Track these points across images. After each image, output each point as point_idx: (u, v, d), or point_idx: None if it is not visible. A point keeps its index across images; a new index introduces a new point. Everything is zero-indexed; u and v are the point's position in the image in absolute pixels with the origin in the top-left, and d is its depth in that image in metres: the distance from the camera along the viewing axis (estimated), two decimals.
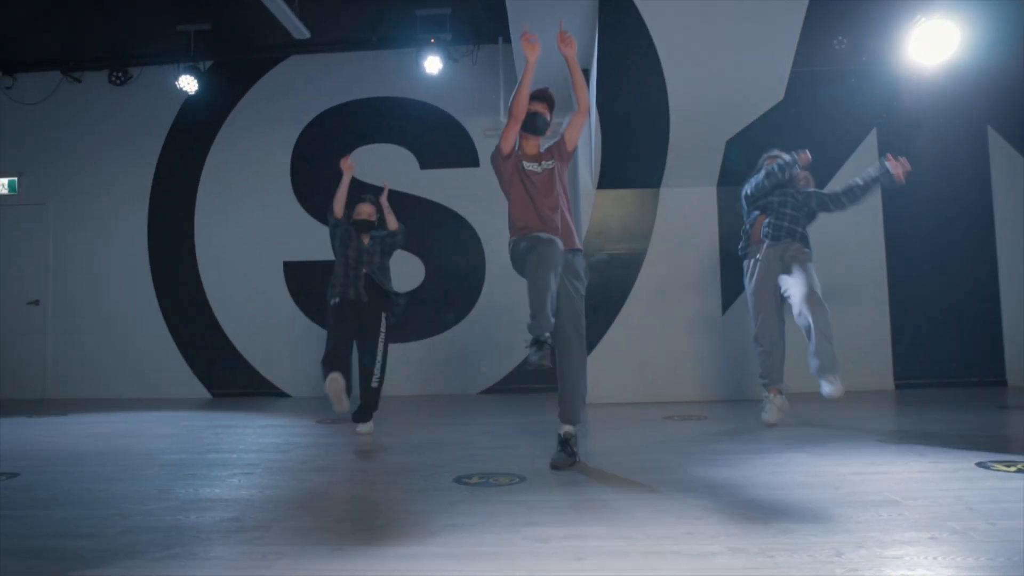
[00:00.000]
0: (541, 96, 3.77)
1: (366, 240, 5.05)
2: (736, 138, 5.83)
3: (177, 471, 3.52)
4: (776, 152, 4.96)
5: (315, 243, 7.60)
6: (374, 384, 4.78)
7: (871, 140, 6.89)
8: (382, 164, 7.52)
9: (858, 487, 2.86)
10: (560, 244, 3.45)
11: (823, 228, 6.72)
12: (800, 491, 2.80)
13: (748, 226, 4.98)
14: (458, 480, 3.12)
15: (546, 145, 3.84)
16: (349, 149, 7.63)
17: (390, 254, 5.13)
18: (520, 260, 3.56)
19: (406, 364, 7.30)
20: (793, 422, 4.78)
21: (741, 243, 5.03)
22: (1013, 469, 3.09)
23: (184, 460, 3.84)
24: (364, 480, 3.27)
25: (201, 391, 7.64)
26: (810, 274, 4.50)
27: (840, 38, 6.64)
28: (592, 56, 5.80)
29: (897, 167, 4.53)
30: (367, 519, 2.54)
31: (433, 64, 6.90)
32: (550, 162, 3.72)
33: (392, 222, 5.12)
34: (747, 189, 5.00)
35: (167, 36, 7.27)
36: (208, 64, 7.78)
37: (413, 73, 7.29)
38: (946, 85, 6.64)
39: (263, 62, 7.85)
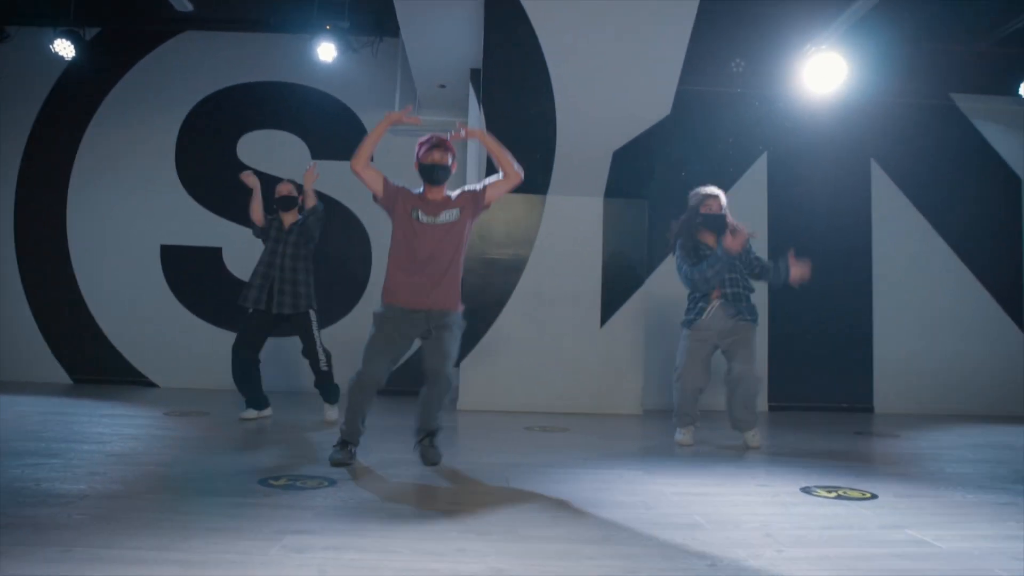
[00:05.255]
0: (437, 144, 3.56)
1: (287, 222, 5.06)
2: (623, 150, 5.81)
3: None
4: (707, 191, 4.63)
5: (197, 228, 7.27)
6: (323, 368, 5.00)
7: (761, 163, 7.00)
8: (273, 151, 7.26)
9: (672, 508, 2.81)
10: (409, 323, 3.46)
11: None
12: (610, 510, 2.73)
13: (696, 300, 4.54)
14: (263, 481, 2.94)
15: (461, 191, 3.66)
16: (239, 132, 7.37)
17: (311, 239, 5.06)
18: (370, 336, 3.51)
19: (279, 361, 7.03)
20: (650, 441, 4.77)
21: (691, 314, 4.55)
22: (833, 495, 3.10)
23: None
24: (162, 476, 3.05)
25: (62, 375, 7.17)
26: (753, 351, 4.51)
27: (738, 60, 6.73)
28: (479, 55, 5.69)
29: (796, 269, 4.54)
30: (131, 520, 2.33)
31: (327, 51, 6.67)
32: (453, 212, 3.53)
33: (311, 199, 5.09)
34: (685, 274, 4.57)
35: None
36: (93, 33, 7.34)
37: (310, 60, 7.03)
38: (834, 116, 6.80)
39: (153, 35, 7.45)
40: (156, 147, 7.34)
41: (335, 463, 3.37)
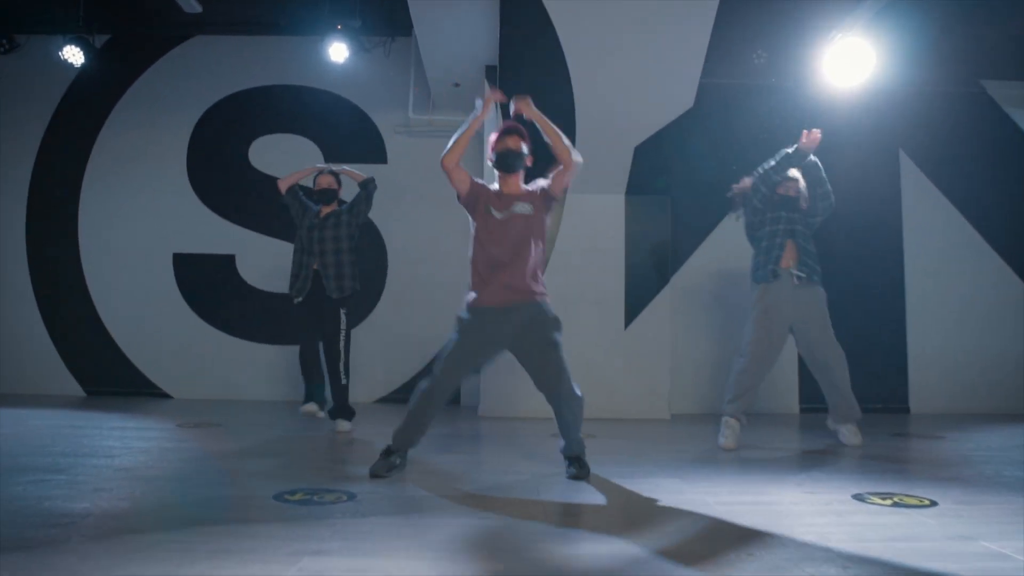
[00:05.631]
0: (511, 130, 3.44)
1: (324, 212, 4.93)
2: (645, 145, 5.61)
3: None
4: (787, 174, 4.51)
5: (209, 236, 7.14)
6: (342, 381, 4.79)
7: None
8: (285, 155, 7.10)
9: (718, 520, 2.59)
10: (493, 327, 3.27)
11: (730, 256, 6.60)
12: (653, 524, 2.53)
13: (768, 250, 4.43)
14: (278, 496, 2.75)
15: (533, 184, 3.49)
16: (251, 137, 7.24)
17: (359, 220, 4.96)
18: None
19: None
20: (682, 447, 4.56)
21: (761, 269, 4.45)
22: (888, 503, 2.88)
23: None
24: (170, 492, 2.88)
25: (75, 388, 7.05)
26: (829, 324, 4.40)
27: (759, 52, 6.51)
28: (495, 51, 5.52)
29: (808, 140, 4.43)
30: (135, 542, 2.16)
31: (338, 52, 6.52)
32: (525, 205, 3.37)
33: (357, 175, 5.03)
34: (753, 202, 4.52)
35: (57, 3, 6.73)
36: (104, 39, 7.25)
37: (321, 61, 6.88)
38: (861, 106, 6.54)
39: (164, 40, 7.34)
40: (167, 154, 7.22)
41: (372, 474, 3.19)
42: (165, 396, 6.98)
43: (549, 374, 3.31)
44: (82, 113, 7.30)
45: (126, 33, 7.29)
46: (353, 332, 6.87)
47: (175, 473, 3.32)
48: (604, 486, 3.15)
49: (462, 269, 7.50)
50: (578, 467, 3.35)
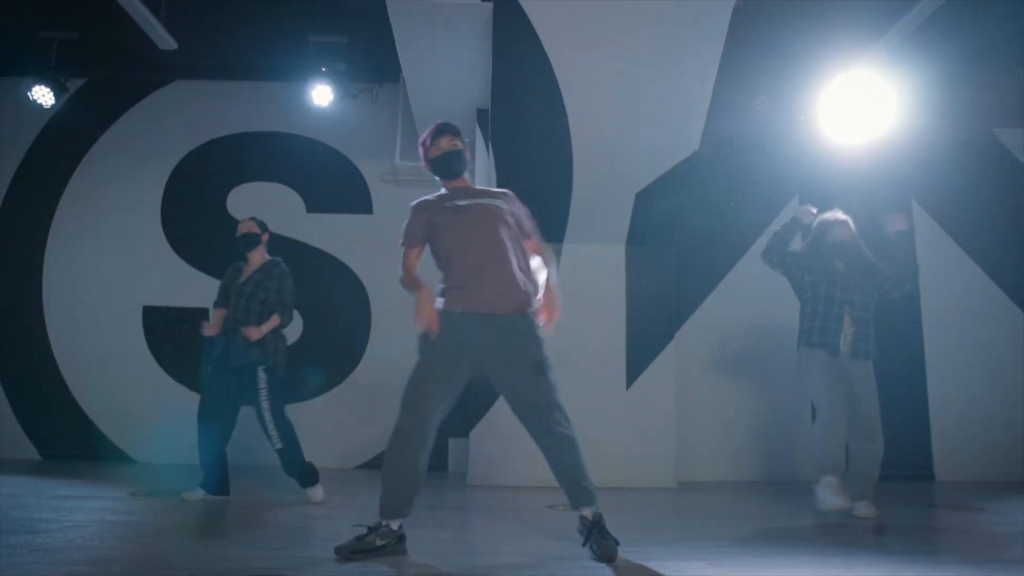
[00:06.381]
0: (446, 130, 3.05)
1: (253, 264, 4.43)
2: (647, 191, 5.26)
3: None
4: (833, 218, 4.40)
5: (182, 288, 6.71)
6: (277, 446, 4.20)
7: (793, 207, 6.42)
8: (265, 205, 6.71)
9: None
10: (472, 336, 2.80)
11: (739, 310, 6.22)
12: None
13: (820, 311, 4.12)
14: None
15: (514, 205, 3.08)
16: (230, 186, 6.89)
17: (276, 298, 4.39)
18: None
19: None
20: (696, 520, 4.06)
21: (818, 335, 4.11)
22: None
23: None
24: None
25: (30, 451, 6.49)
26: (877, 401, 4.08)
27: (762, 98, 6.24)
28: (487, 93, 5.21)
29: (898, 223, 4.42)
30: None
31: (322, 95, 6.23)
32: (495, 200, 2.97)
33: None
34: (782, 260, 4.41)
35: (30, 44, 6.44)
36: (80, 83, 6.96)
37: (304, 107, 6.58)
38: (870, 155, 6.25)
39: (142, 85, 7.05)
40: (141, 201, 6.87)
41: (344, 554, 2.65)
42: (128, 460, 6.44)
43: (535, 402, 2.79)
44: (52, 159, 6.96)
45: (102, 77, 7.01)
46: (335, 391, 6.46)
47: (104, 555, 2.79)
48: (614, 569, 2.66)
49: None
50: (601, 540, 2.77)
